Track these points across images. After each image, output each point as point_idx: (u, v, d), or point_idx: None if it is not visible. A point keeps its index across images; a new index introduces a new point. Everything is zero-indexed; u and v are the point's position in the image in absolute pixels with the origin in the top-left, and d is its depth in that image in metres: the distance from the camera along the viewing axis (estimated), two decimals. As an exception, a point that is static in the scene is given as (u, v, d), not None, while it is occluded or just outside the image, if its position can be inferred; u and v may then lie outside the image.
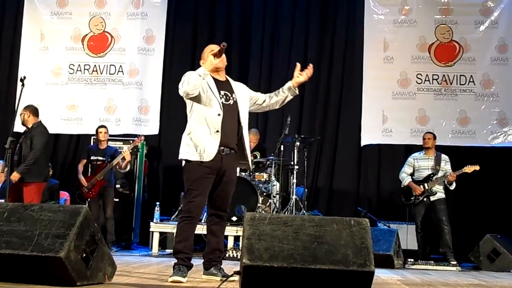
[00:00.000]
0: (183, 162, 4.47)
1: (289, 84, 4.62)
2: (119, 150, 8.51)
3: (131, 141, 9.07)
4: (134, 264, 6.03)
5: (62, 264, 3.44)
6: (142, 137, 8.52)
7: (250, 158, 4.59)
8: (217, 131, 4.36)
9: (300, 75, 4.59)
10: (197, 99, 4.43)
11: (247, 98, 4.65)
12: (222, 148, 4.39)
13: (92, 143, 9.02)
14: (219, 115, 4.38)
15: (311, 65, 4.62)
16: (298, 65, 4.61)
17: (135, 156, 9.02)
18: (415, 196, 7.92)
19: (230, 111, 4.46)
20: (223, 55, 4.53)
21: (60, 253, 3.43)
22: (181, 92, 4.40)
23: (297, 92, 4.65)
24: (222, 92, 4.48)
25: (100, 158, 8.37)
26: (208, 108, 4.40)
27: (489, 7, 9.70)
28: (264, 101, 4.71)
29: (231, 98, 4.52)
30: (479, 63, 9.63)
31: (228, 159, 4.45)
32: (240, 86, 4.70)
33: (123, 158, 8.30)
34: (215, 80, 4.51)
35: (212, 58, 4.39)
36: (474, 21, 9.71)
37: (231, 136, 4.46)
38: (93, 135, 9.38)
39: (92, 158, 8.43)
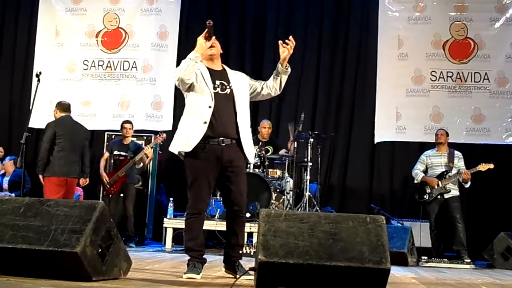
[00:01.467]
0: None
1: (278, 64, 4.50)
2: (142, 147, 8.52)
3: (145, 137, 9.11)
4: (148, 259, 6.05)
5: (78, 259, 3.46)
6: (164, 135, 8.41)
7: (250, 149, 4.46)
8: (205, 122, 4.27)
9: (283, 51, 4.46)
10: (190, 89, 4.35)
11: (246, 87, 4.53)
12: (222, 138, 4.30)
13: (114, 139, 8.97)
14: (210, 107, 4.29)
15: (291, 37, 4.47)
16: (280, 42, 4.48)
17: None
18: (429, 194, 7.88)
19: (226, 101, 4.36)
20: (217, 44, 4.45)
21: (76, 248, 3.44)
22: (176, 80, 4.32)
23: (288, 70, 4.50)
24: (218, 82, 4.38)
25: (123, 153, 8.36)
26: (199, 98, 4.32)
27: (505, 4, 9.63)
28: (262, 88, 4.57)
29: (228, 87, 4.41)
30: (494, 60, 9.57)
31: (230, 149, 4.35)
32: (238, 75, 4.58)
33: (146, 155, 8.28)
34: (210, 70, 4.43)
35: (202, 41, 4.31)
36: (489, 18, 9.66)
37: (230, 127, 4.35)
38: (107, 130, 9.43)
39: (115, 153, 8.41)
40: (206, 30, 4.30)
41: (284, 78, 4.53)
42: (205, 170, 4.30)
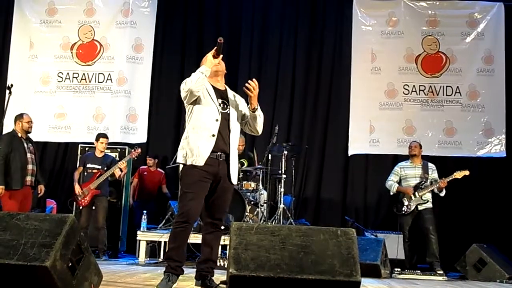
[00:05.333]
0: (180, 166, 4.47)
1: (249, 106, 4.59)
2: (116, 159, 8.48)
3: (119, 149, 9.06)
4: (121, 273, 6.01)
5: (48, 273, 3.42)
6: (139, 150, 8.42)
7: (235, 170, 4.51)
8: (213, 135, 4.37)
9: (249, 95, 4.49)
10: (196, 102, 4.43)
11: (240, 111, 4.61)
12: (220, 153, 4.39)
13: (87, 152, 8.88)
14: (216, 120, 4.40)
15: (253, 80, 4.48)
16: (244, 88, 4.47)
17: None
18: (407, 206, 7.91)
19: (225, 119, 4.47)
20: (222, 62, 4.54)
21: (46, 262, 3.41)
22: (185, 91, 4.37)
23: (255, 113, 4.54)
24: (220, 100, 4.49)
25: (96, 166, 8.31)
26: (206, 112, 4.41)
27: (476, 19, 9.81)
28: (246, 123, 4.66)
29: (227, 106, 4.52)
30: (465, 74, 9.74)
31: (225, 165, 4.44)
32: (237, 97, 4.68)
33: (121, 170, 8.25)
34: (214, 87, 4.52)
35: (211, 57, 4.42)
36: (461, 33, 9.84)
37: (226, 144, 4.45)
38: (81, 143, 9.35)
39: (88, 166, 8.35)
40: (216, 47, 4.40)
41: (258, 119, 4.60)
42: (200, 181, 4.35)
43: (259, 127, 4.65)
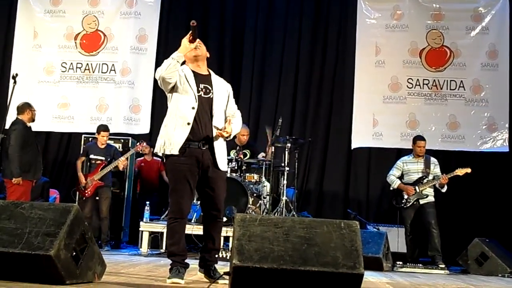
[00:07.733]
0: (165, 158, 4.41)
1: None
2: (118, 150, 8.49)
3: (122, 140, 9.07)
4: (123, 263, 6.03)
5: (51, 262, 3.44)
6: (144, 143, 8.46)
7: (222, 157, 4.41)
8: (188, 123, 4.25)
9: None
10: (174, 90, 4.33)
11: (225, 95, 4.50)
12: (202, 142, 4.29)
13: (90, 141, 8.90)
14: (193, 108, 4.28)
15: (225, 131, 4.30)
16: (218, 132, 4.31)
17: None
18: (407, 199, 7.94)
19: (207, 104, 4.36)
20: (202, 46, 4.43)
21: (50, 251, 3.42)
22: (157, 77, 4.30)
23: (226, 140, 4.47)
24: (202, 85, 4.37)
25: (100, 157, 8.33)
26: (183, 100, 4.30)
27: (480, 13, 9.78)
28: (227, 116, 4.53)
29: (211, 92, 4.41)
30: (469, 68, 9.71)
31: (209, 154, 4.34)
32: (222, 82, 4.58)
33: (122, 164, 8.30)
34: (195, 73, 4.41)
35: (186, 42, 4.29)
36: (465, 27, 9.80)
37: (209, 130, 4.33)
38: (84, 133, 9.36)
39: (91, 156, 8.37)
40: (191, 31, 4.26)
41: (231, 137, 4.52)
42: (186, 174, 4.27)
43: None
